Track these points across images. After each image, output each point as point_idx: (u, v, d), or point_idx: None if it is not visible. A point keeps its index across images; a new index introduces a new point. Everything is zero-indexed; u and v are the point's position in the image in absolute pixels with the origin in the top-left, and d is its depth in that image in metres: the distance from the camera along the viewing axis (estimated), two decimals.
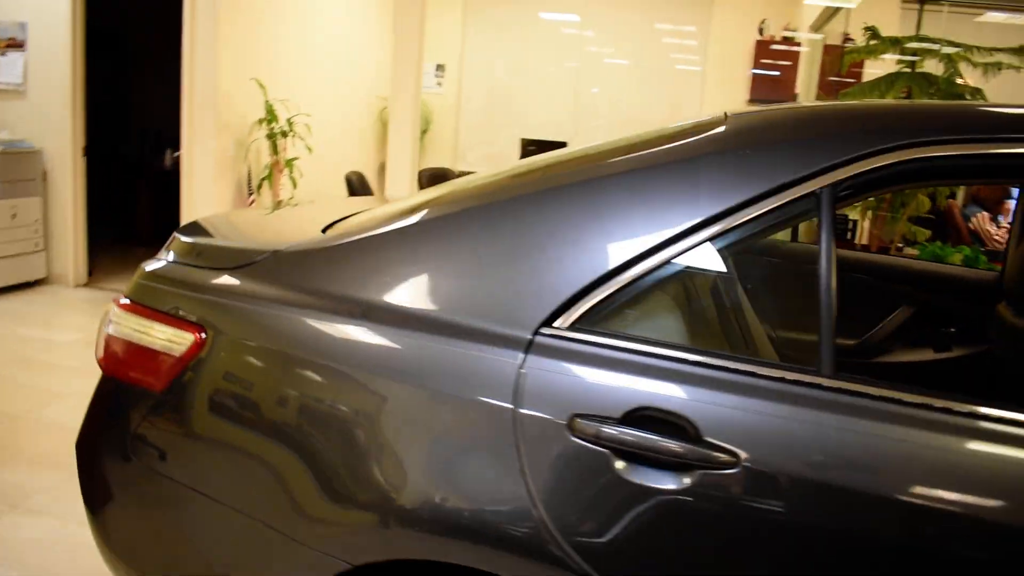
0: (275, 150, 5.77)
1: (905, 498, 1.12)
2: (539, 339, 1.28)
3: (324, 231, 1.58)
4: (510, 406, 1.25)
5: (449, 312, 1.33)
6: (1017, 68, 4.57)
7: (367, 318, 1.36)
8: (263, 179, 5.80)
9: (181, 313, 1.48)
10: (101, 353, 1.59)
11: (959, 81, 4.37)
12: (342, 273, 1.43)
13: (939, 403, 1.15)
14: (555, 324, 1.28)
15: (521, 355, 1.27)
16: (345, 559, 1.32)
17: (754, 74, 7.26)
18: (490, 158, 7.68)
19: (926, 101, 1.45)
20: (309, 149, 5.99)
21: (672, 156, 1.35)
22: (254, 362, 1.42)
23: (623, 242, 1.29)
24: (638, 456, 1.21)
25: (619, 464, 1.21)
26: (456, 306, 1.33)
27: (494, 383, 1.26)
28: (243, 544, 1.44)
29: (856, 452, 1.15)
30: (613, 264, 1.28)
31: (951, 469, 1.13)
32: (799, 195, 1.25)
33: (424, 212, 1.47)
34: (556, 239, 1.32)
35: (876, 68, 5.46)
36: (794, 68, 7.03)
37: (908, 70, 4.74)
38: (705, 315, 1.54)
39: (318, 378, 1.36)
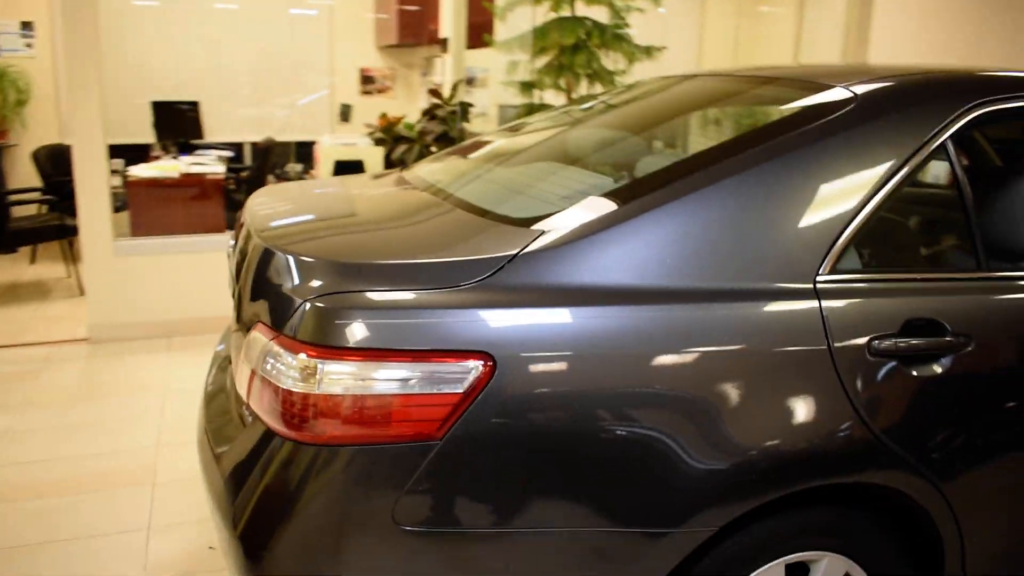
0: None
1: None
2: (820, 286, 1.45)
3: (525, 224, 1.46)
4: (824, 347, 1.42)
5: (736, 280, 1.41)
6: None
7: (659, 302, 1.36)
8: None
9: (451, 345, 1.27)
10: (311, 423, 1.27)
11: (627, 30, 5.14)
12: (611, 263, 1.38)
13: None
14: (822, 271, 1.46)
15: (816, 303, 1.43)
16: (707, 527, 1.36)
17: (400, 11, 7.22)
18: (117, 126, 6.51)
19: (984, 68, 1.90)
20: None
21: (855, 121, 1.58)
22: (553, 370, 1.31)
23: (848, 197, 1.50)
24: (915, 357, 1.49)
25: (905, 367, 1.48)
26: (738, 274, 1.42)
27: (808, 331, 1.41)
28: (572, 565, 1.35)
29: None
30: (848, 215, 1.49)
31: None
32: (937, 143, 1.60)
33: (659, 194, 1.45)
34: (799, 202, 1.48)
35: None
36: (435, 5, 7.06)
37: (569, 14, 5.39)
38: (921, 239, 1.79)
39: (635, 368, 1.33)
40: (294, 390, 1.29)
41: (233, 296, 2.12)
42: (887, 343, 1.47)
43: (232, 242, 2.09)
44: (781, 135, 1.53)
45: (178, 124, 6.22)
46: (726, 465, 1.36)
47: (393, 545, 1.29)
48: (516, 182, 1.89)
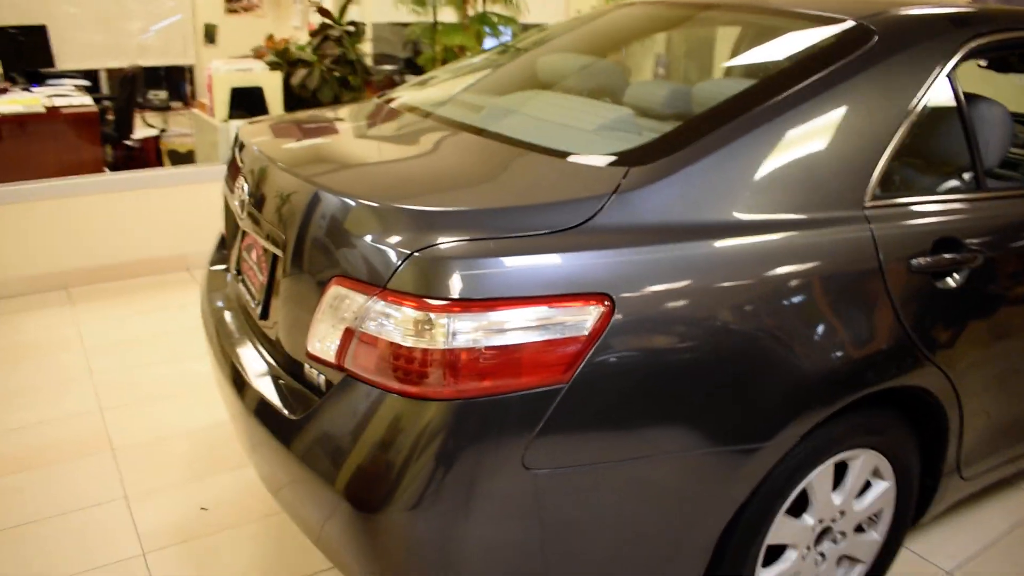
0: None
1: None
2: (868, 212, 1.57)
3: (615, 163, 1.47)
4: (876, 266, 1.55)
5: (804, 211, 1.50)
6: None
7: (739, 234, 1.43)
8: None
9: (573, 289, 1.28)
10: (434, 378, 1.25)
11: None
12: (699, 199, 1.43)
13: None
14: (867, 199, 1.58)
15: (868, 226, 1.55)
16: (792, 439, 1.48)
17: None
18: None
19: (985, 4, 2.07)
20: None
21: (882, 57, 1.67)
22: (661, 305, 1.34)
23: (880, 128, 1.61)
24: (941, 272, 1.66)
25: (933, 280, 1.64)
26: (804, 204, 1.51)
27: (865, 253, 1.53)
28: (682, 487, 1.43)
29: None
30: (881, 145, 1.60)
31: None
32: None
33: (726, 131, 1.49)
34: (844, 136, 1.57)
35: None
36: None
37: None
38: (938, 164, 1.88)
39: (730, 297, 1.39)
40: (415, 346, 1.26)
41: (233, 242, 1.99)
42: (922, 261, 1.62)
43: (232, 183, 1.94)
44: (820, 71, 1.61)
45: (23, 52, 5.50)
46: (809, 380, 1.48)
47: (523, 490, 1.31)
48: (550, 115, 1.88)
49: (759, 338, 1.42)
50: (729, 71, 1.91)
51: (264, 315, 1.71)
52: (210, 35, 6.79)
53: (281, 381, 1.62)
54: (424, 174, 1.58)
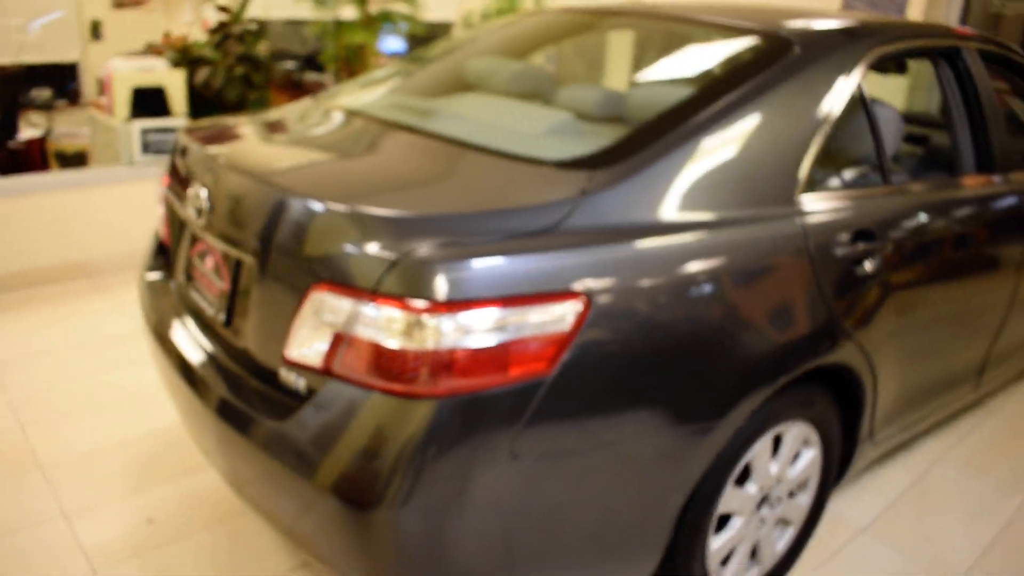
0: None
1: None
2: (797, 207, 1.74)
3: (577, 167, 1.57)
4: (806, 257, 1.72)
5: (744, 208, 1.65)
6: None
7: (692, 231, 1.56)
8: None
9: (554, 287, 1.37)
10: (425, 377, 1.32)
11: None
12: (655, 200, 1.55)
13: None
14: (797, 194, 1.75)
15: (798, 220, 1.72)
16: (743, 414, 1.65)
17: None
18: None
19: (887, 17, 2.34)
20: None
21: (803, 66, 1.84)
22: (629, 298, 1.45)
23: (803, 132, 1.79)
24: (857, 259, 1.85)
25: (851, 267, 1.83)
26: (745, 202, 1.66)
27: (798, 244, 1.71)
28: (651, 463, 1.55)
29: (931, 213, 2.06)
30: (806, 147, 1.77)
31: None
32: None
33: (677, 135, 1.62)
34: (776, 139, 1.73)
35: None
36: None
37: None
38: (852, 161, 2.07)
39: (695, 285, 1.53)
40: (407, 347, 1.32)
41: (178, 248, 1.97)
42: (844, 250, 1.81)
43: (180, 189, 1.92)
44: (751, 78, 1.77)
45: None
46: (757, 360, 1.63)
47: (513, 479, 1.40)
48: (497, 119, 1.96)
49: (714, 324, 1.56)
50: (663, 79, 2.05)
51: (228, 322, 1.72)
52: (96, 31, 6.45)
53: (251, 387, 1.63)
54: (395, 179, 1.63)
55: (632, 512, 1.58)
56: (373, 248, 1.36)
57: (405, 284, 1.32)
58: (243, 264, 1.64)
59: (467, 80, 2.33)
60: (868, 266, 1.87)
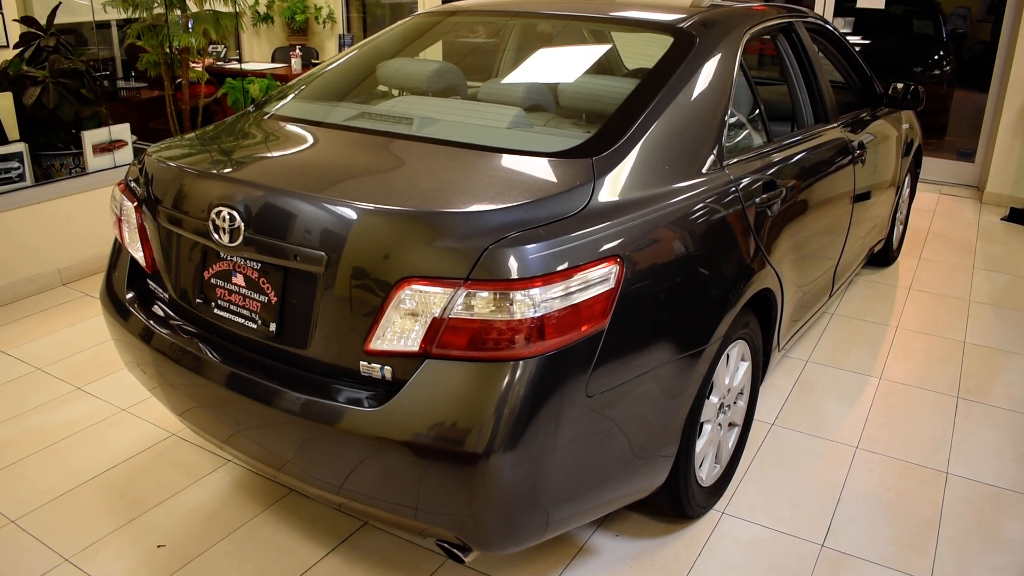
0: None
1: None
2: (727, 170, 2.18)
3: (579, 156, 1.89)
4: (741, 206, 2.17)
5: (695, 175, 2.07)
6: None
7: (672, 196, 1.96)
8: None
9: (599, 255, 1.69)
10: (520, 343, 1.59)
11: None
12: (643, 177, 1.92)
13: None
14: (725, 160, 2.19)
15: (731, 175, 2.17)
16: (719, 338, 2.07)
17: None
18: None
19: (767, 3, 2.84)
20: None
21: (705, 55, 2.27)
22: (650, 255, 1.84)
23: (717, 108, 2.22)
24: (770, 204, 2.34)
25: (767, 211, 2.32)
26: (694, 170, 2.08)
27: (735, 198, 2.15)
28: (671, 385, 1.94)
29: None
30: (721, 120, 2.22)
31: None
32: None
33: (641, 124, 1.98)
34: (701, 118, 2.16)
35: None
36: None
37: None
38: (751, 127, 2.49)
39: (683, 236, 1.95)
40: (503, 320, 1.58)
41: (178, 272, 2.04)
42: (761, 198, 2.28)
43: (176, 215, 1.98)
44: (676, 69, 2.18)
45: None
46: (726, 290, 2.07)
47: (587, 413, 1.72)
48: (467, 119, 2.23)
49: (702, 264, 1.99)
50: (597, 73, 2.41)
51: (279, 333, 1.84)
52: None
53: (321, 386, 1.78)
54: (438, 183, 1.84)
55: (661, 424, 1.96)
56: (462, 243, 1.60)
57: (494, 269, 1.57)
58: (292, 275, 1.79)
59: (396, 83, 2.55)
60: (774, 207, 2.37)
